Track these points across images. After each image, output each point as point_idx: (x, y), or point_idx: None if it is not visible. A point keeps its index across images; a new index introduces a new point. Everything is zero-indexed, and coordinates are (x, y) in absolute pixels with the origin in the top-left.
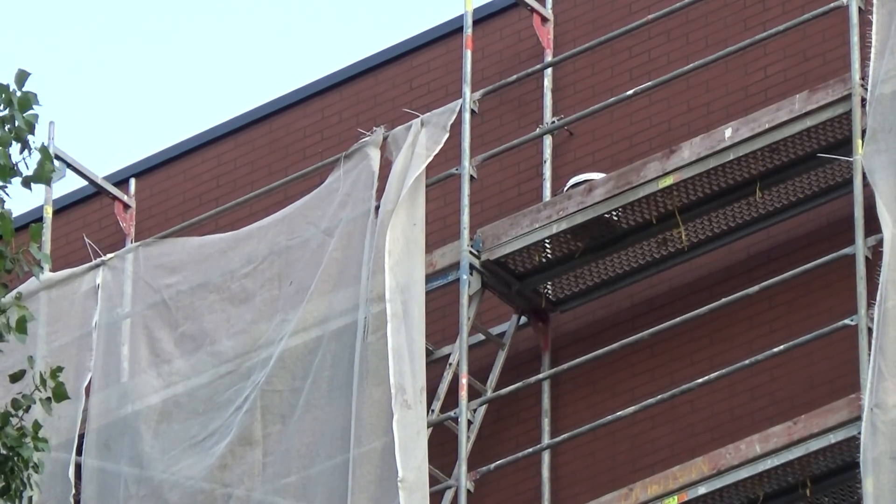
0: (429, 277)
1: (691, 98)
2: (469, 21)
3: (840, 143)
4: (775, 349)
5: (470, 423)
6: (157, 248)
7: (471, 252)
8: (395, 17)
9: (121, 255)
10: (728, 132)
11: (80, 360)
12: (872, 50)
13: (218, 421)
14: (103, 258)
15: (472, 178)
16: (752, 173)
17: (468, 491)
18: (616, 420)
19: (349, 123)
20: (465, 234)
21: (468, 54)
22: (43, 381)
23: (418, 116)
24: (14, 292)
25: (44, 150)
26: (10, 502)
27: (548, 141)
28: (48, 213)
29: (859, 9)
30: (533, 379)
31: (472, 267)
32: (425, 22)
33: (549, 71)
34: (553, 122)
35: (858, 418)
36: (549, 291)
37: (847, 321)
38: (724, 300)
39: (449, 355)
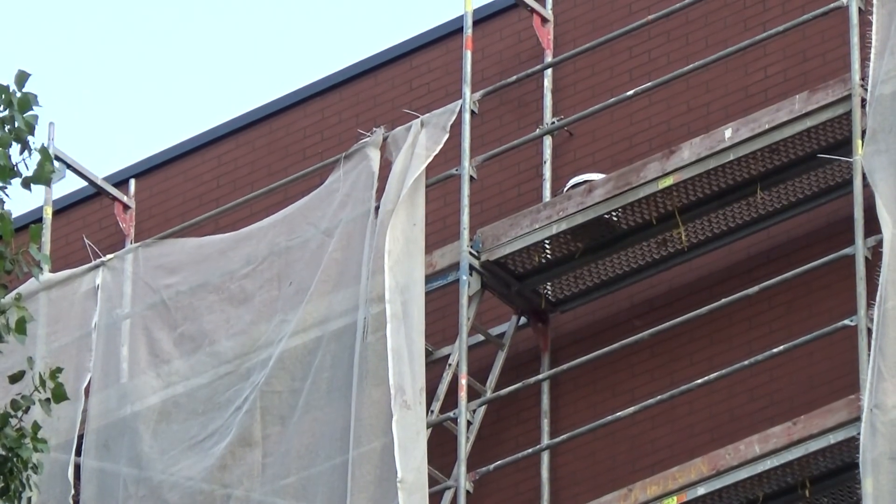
0: (428, 278)
1: (691, 98)
2: (469, 22)
3: (840, 143)
4: (775, 350)
5: (469, 423)
6: (156, 248)
7: (470, 252)
8: (394, 18)
9: (120, 255)
10: (728, 133)
11: (80, 360)
12: (872, 50)
13: (217, 421)
14: (103, 259)
15: (471, 178)
16: (752, 174)
17: (467, 491)
18: (615, 420)
19: (349, 124)
20: (465, 234)
21: (468, 55)
22: (42, 382)
23: (418, 117)
24: (14, 293)
25: (44, 150)
26: (10, 503)
27: (548, 141)
28: (48, 213)
29: (859, 9)
30: (532, 379)
31: (471, 267)
32: (425, 22)
33: (548, 71)
34: (553, 122)
35: (858, 419)
36: (549, 292)
37: (847, 322)
38: (723, 301)
39: (448, 356)
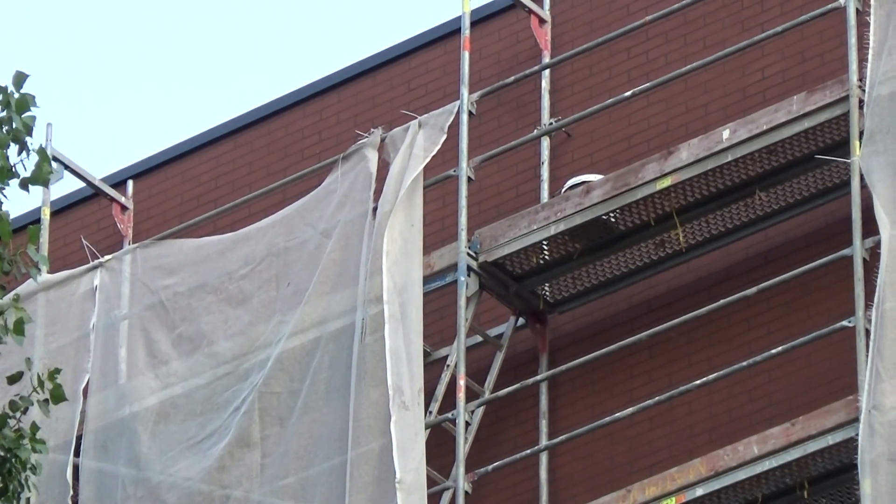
0: (426, 279)
1: (689, 99)
2: (467, 22)
3: (838, 144)
4: (773, 350)
5: (468, 424)
6: (154, 249)
7: (468, 253)
8: (392, 19)
9: (118, 256)
10: (726, 133)
11: (78, 361)
12: (870, 51)
13: (216, 422)
14: (101, 260)
15: (469, 179)
16: (751, 175)
17: (466, 492)
18: (614, 421)
19: (347, 125)
20: (463, 235)
21: (466, 56)
22: (41, 383)
23: (416, 118)
24: (12, 294)
25: (41, 151)
26: (8, 503)
27: (546, 142)
28: (46, 214)
29: (857, 10)
30: (531, 380)
31: (469, 268)
32: (423, 23)
33: (546, 72)
34: (551, 123)
35: (856, 420)
36: (547, 293)
37: (845, 323)
38: (722, 301)
39: (447, 357)
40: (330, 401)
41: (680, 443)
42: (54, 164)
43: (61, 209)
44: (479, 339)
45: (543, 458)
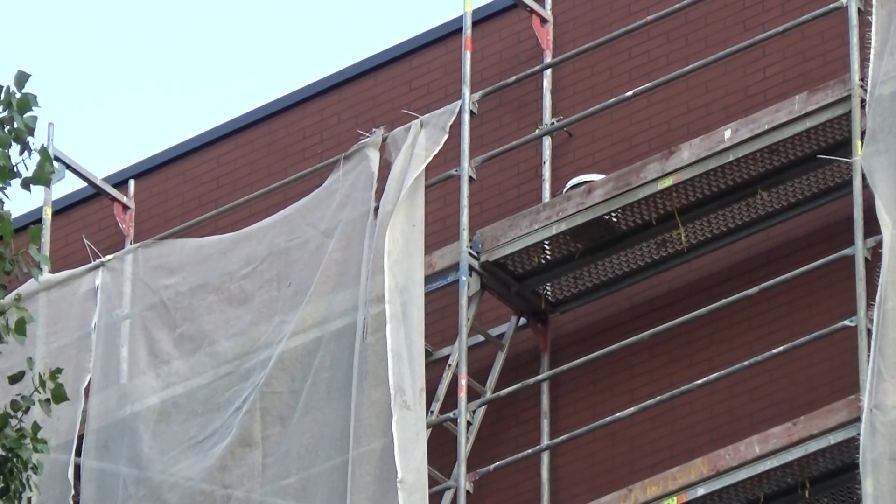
0: (428, 278)
1: (691, 99)
2: (468, 22)
3: (839, 144)
4: (775, 350)
5: (469, 424)
6: (156, 249)
7: (470, 253)
8: (394, 18)
9: (120, 256)
10: (727, 133)
11: (80, 361)
12: (872, 51)
13: (217, 422)
14: (102, 259)
15: (471, 179)
16: (752, 174)
17: (467, 492)
18: (615, 421)
19: (348, 124)
20: (465, 235)
21: (467, 55)
22: (42, 383)
23: (417, 117)
24: (13, 294)
25: (43, 151)
26: (10, 503)
27: (547, 142)
28: (47, 214)
29: (858, 10)
30: (532, 380)
31: (471, 268)
32: (424, 23)
33: (548, 72)
34: (552, 123)
35: (858, 419)
36: (549, 292)
37: (846, 322)
38: (723, 301)
39: (448, 356)
40: (331, 400)
41: (681, 442)
42: (56, 164)
43: (63, 209)
44: (480, 338)
45: (545, 457)
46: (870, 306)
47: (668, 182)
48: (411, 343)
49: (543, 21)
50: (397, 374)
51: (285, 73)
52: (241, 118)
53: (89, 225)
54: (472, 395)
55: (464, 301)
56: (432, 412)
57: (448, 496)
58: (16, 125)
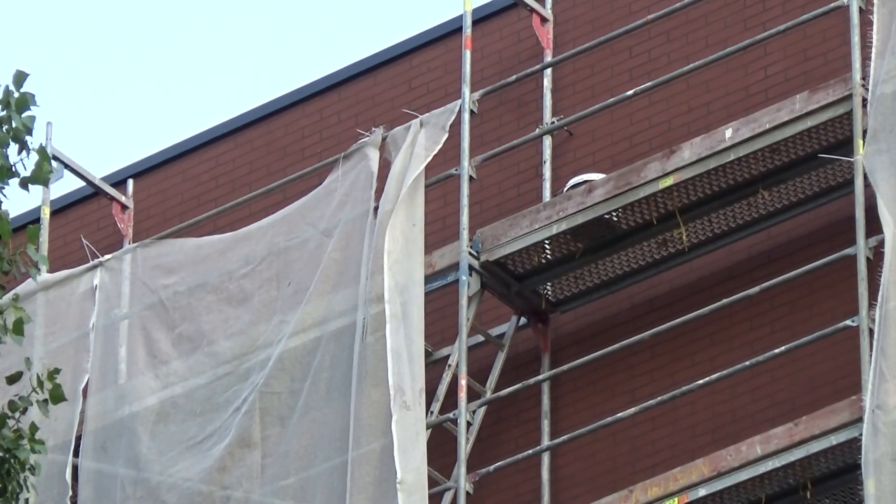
0: (428, 278)
1: (691, 98)
2: (468, 21)
3: (841, 143)
4: (776, 350)
5: (469, 424)
6: (154, 248)
7: (470, 253)
8: (394, 17)
9: (118, 256)
10: (728, 132)
11: (78, 361)
12: (873, 50)
13: (216, 422)
14: (101, 259)
15: (471, 178)
16: (753, 174)
17: (467, 493)
18: (616, 421)
19: (348, 124)
20: (465, 234)
21: (467, 54)
22: (40, 383)
23: (417, 117)
24: (11, 294)
25: (41, 150)
26: None
27: (547, 141)
28: (45, 214)
29: (860, 8)
30: (533, 380)
31: (471, 268)
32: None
33: (548, 71)
34: (553, 122)
35: (860, 420)
36: (549, 292)
37: (848, 322)
38: (724, 301)
39: (448, 356)
40: (331, 401)
41: (682, 443)
42: (54, 164)
43: (61, 208)
44: (480, 338)
45: (545, 458)
46: (872, 306)
47: (668, 181)
48: (411, 343)
49: (543, 20)
50: (397, 375)
51: (285, 72)
52: (240, 117)
53: (88, 224)
54: (472, 395)
55: (464, 301)
56: (432, 412)
57: (448, 497)
58: (14, 124)
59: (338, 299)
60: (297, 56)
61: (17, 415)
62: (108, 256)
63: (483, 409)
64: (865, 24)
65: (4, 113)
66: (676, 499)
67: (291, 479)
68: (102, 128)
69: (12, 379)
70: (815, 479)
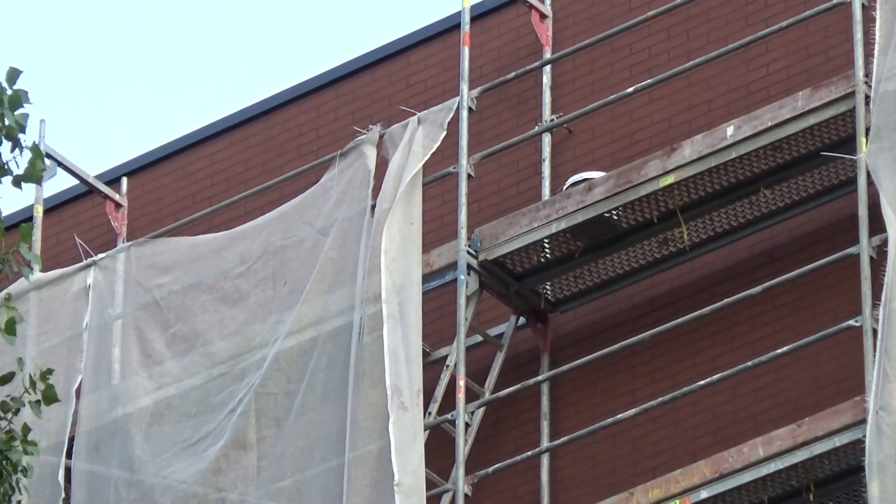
0: (426, 277)
1: (692, 95)
2: (467, 17)
3: (843, 140)
4: (779, 350)
5: (468, 425)
6: (149, 247)
7: (468, 252)
8: (391, 14)
9: (112, 254)
10: (730, 130)
11: (71, 361)
12: (876, 46)
13: (211, 423)
14: (94, 258)
15: (469, 176)
16: (755, 172)
17: (466, 495)
18: (616, 423)
19: (345, 121)
20: (463, 233)
21: (466, 51)
22: (32, 384)
23: (415, 114)
24: (3, 293)
25: (35, 148)
26: None
27: (547, 139)
28: (38, 212)
29: (862, 5)
30: (532, 381)
31: (469, 267)
32: (422, 18)
33: (547, 68)
34: (552, 119)
35: (863, 421)
36: (549, 292)
37: (852, 322)
38: (726, 300)
39: (446, 357)
40: (327, 402)
41: (684, 444)
42: (47, 161)
43: (54, 207)
44: (479, 338)
45: (545, 459)
46: (875, 305)
47: (669, 179)
48: (409, 343)
49: (543, 16)
50: (394, 375)
51: (281, 69)
52: (236, 114)
53: (81, 223)
54: (471, 396)
55: (462, 300)
56: (430, 413)
57: (446, 499)
58: (7, 122)
59: (334, 299)
60: (295, 52)
61: (9, 416)
62: (101, 255)
63: (482, 410)
64: (868, 21)
65: None
66: (678, 501)
67: (287, 481)
68: (96, 125)
69: (4, 379)
70: (818, 482)
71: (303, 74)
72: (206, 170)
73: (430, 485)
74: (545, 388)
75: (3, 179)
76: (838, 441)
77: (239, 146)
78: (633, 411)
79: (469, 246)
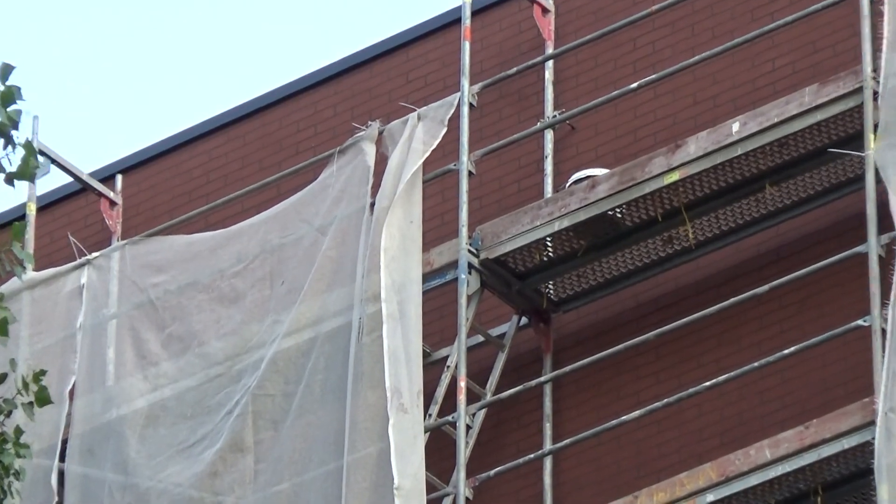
0: (426, 276)
1: (697, 91)
2: (467, 12)
3: (851, 137)
4: (786, 351)
5: (469, 427)
6: (144, 246)
7: (469, 250)
8: (390, 8)
9: (106, 253)
10: (735, 126)
11: (64, 362)
12: (884, 42)
13: (207, 426)
14: (88, 257)
15: (470, 173)
16: (761, 169)
17: (467, 499)
18: (621, 424)
19: (344, 117)
20: (464, 231)
21: (466, 46)
22: (25, 385)
23: (415, 110)
24: None
25: (28, 145)
26: None
27: (549, 135)
28: (31, 210)
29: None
30: (534, 382)
31: (470, 266)
32: (422, 13)
33: (550, 63)
34: (554, 115)
35: (872, 423)
36: (551, 291)
37: (860, 322)
38: (732, 300)
39: (447, 357)
40: (326, 403)
41: (689, 446)
42: (41, 159)
43: (48, 205)
44: (480, 338)
45: (547, 462)
46: (884, 305)
47: (674, 177)
48: (408, 343)
49: (545, 10)
50: (394, 376)
51: (279, 65)
52: (232, 111)
53: (75, 221)
54: (472, 397)
55: (463, 300)
56: (430, 415)
57: (447, 503)
58: None
59: (333, 298)
60: (292, 47)
61: (1, 418)
62: (95, 254)
63: (483, 411)
64: (876, 16)
65: None
66: None
67: (285, 484)
68: (90, 122)
69: None
70: (826, 485)
71: (301, 70)
72: (202, 167)
73: (430, 488)
74: (548, 390)
75: None
76: (847, 443)
77: (235, 143)
78: (637, 413)
79: (470, 244)
